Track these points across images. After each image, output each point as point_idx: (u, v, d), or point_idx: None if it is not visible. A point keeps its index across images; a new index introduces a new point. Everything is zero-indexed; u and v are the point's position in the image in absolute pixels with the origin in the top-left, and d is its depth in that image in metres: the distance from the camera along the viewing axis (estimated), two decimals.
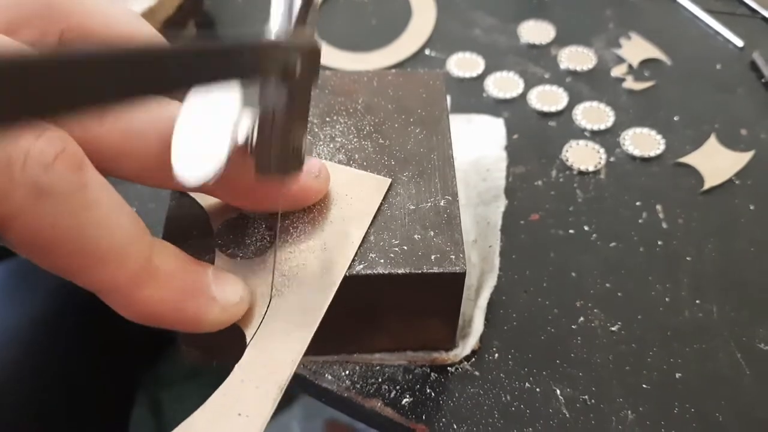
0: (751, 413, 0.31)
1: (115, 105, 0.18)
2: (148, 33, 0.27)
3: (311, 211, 0.28)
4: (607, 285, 0.35)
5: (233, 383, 0.24)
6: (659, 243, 0.37)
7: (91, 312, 0.50)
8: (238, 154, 0.24)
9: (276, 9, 0.22)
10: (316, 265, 0.27)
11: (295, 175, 0.26)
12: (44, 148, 0.20)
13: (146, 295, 0.23)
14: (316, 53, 0.23)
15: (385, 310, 0.29)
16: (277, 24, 0.22)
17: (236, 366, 0.25)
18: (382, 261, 0.27)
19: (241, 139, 0.24)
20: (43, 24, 0.24)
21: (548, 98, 0.45)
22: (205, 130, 0.24)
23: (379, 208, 0.29)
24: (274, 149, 0.24)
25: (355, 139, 0.32)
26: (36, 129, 0.20)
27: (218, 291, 0.25)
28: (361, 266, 0.27)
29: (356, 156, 0.31)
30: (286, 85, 0.23)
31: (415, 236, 0.28)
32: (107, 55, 0.17)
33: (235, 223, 0.28)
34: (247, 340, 0.25)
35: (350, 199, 0.29)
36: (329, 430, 0.89)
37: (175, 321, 0.24)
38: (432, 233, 0.28)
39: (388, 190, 0.30)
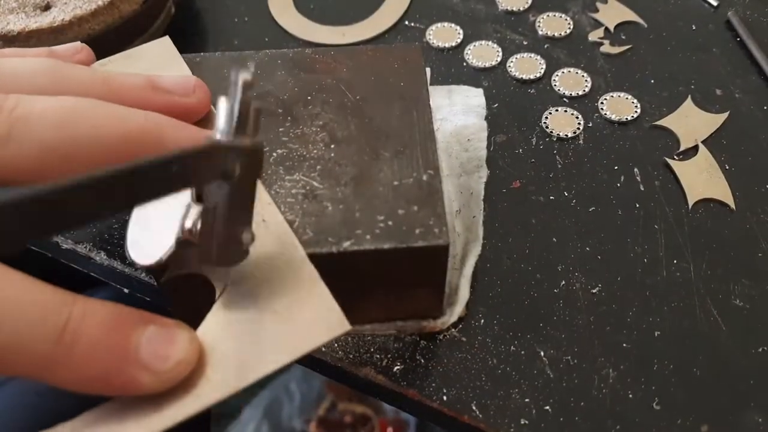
0: (727, 367, 0.33)
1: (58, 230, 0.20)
2: None
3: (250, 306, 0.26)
4: (587, 249, 0.37)
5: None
6: (636, 205, 0.38)
7: None
8: None
9: (220, 117, 0.23)
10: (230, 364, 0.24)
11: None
12: None
13: (62, 378, 0.21)
14: (257, 153, 0.24)
15: (373, 283, 0.30)
16: (218, 131, 0.23)
17: None
18: (368, 237, 0.28)
19: (188, 229, 0.25)
20: None
21: (527, 66, 0.45)
22: (157, 220, 0.26)
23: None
24: (215, 240, 0.25)
25: (337, 117, 0.32)
26: None
27: (149, 357, 0.22)
28: (349, 242, 0.28)
29: (338, 134, 0.32)
30: (227, 183, 0.24)
31: (399, 211, 0.29)
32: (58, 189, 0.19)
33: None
34: None
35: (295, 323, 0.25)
36: (328, 389, 0.91)
37: (105, 392, 0.22)
38: (415, 208, 0.29)
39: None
